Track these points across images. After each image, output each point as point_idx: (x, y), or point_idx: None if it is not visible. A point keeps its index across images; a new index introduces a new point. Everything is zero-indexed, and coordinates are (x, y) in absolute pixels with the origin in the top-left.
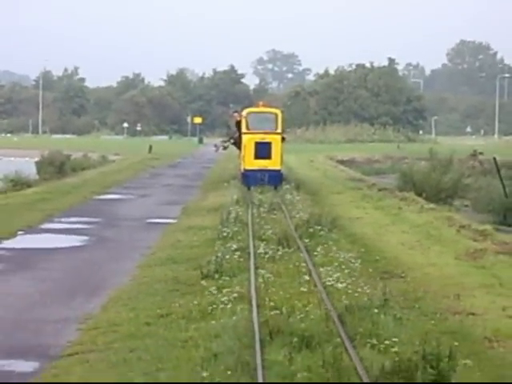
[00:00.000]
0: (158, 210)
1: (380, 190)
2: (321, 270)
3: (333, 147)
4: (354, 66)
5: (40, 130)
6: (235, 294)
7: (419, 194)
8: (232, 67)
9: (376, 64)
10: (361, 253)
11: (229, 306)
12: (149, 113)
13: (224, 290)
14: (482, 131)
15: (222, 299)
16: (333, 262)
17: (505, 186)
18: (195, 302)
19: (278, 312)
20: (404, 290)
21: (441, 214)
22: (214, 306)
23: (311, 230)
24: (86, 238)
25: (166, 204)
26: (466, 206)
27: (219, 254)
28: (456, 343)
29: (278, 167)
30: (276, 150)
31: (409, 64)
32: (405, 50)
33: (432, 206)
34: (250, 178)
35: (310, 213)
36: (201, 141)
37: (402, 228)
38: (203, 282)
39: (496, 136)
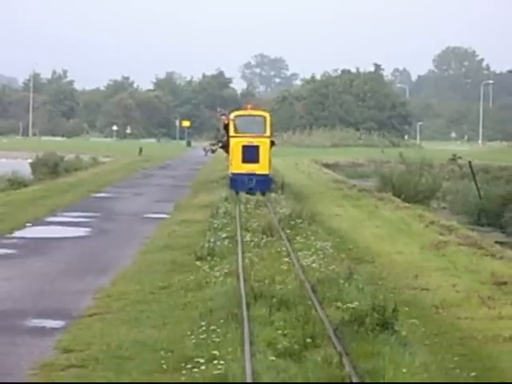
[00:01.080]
0: (152, 206)
1: (360, 190)
2: (299, 254)
3: (318, 151)
4: (339, 72)
5: (30, 133)
6: (225, 271)
7: (398, 196)
8: (220, 72)
9: (362, 70)
10: (336, 242)
11: (220, 279)
12: (137, 116)
13: (216, 268)
14: (466, 137)
15: (215, 274)
16: (310, 249)
17: (479, 189)
18: (191, 278)
19: (261, 283)
20: (371, 272)
21: (413, 212)
22: (208, 279)
23: (292, 222)
24: (88, 229)
25: (159, 201)
26: (444, 207)
27: (211, 240)
28: (407, 308)
29: (266, 171)
30: (264, 153)
31: (396, 69)
32: (392, 55)
33: (407, 204)
34: (237, 182)
35: (292, 209)
36: (189, 144)
37: (376, 223)
38: (197, 263)
39: (480, 141)
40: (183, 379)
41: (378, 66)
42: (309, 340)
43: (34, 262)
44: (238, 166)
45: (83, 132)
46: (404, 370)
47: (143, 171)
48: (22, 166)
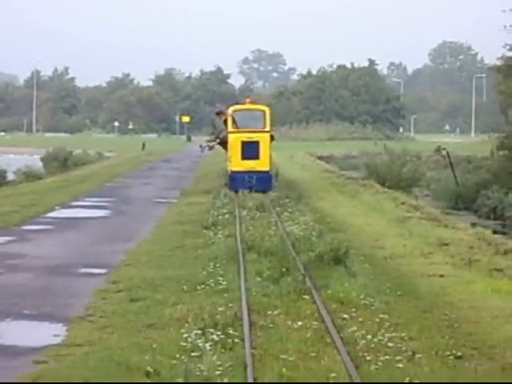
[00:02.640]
0: (161, 192)
1: (346, 179)
2: (285, 224)
3: (314, 144)
4: (334, 67)
5: (34, 129)
6: (226, 234)
7: (382, 184)
8: (218, 68)
9: (356, 65)
10: (317, 217)
11: (222, 240)
12: (138, 112)
13: (219, 233)
14: (458, 129)
15: (218, 237)
16: (294, 221)
17: (456, 177)
18: (200, 240)
19: (253, 240)
20: (342, 237)
21: (389, 196)
22: (213, 241)
23: (282, 202)
24: (109, 211)
25: (167, 189)
26: (428, 195)
27: (214, 215)
28: (362, 258)
29: (266, 168)
30: (264, 149)
31: (392, 63)
32: (389, 49)
33: (385, 190)
34: (237, 181)
35: (282, 192)
36: (189, 139)
37: (354, 204)
38: (204, 231)
39: (472, 134)
40: (199, 290)
41: (372, 61)
42: (284, 270)
43: (70, 234)
44: (238, 164)
45: (85, 128)
46: (346, 285)
47: (149, 164)
48: (31, 160)
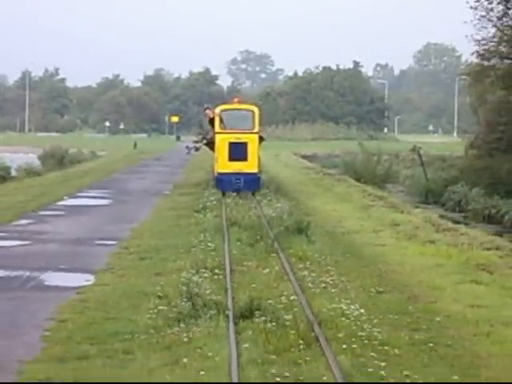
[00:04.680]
0: (155, 186)
1: (324, 174)
2: (263, 208)
3: (300, 144)
4: (320, 68)
5: (26, 129)
6: (214, 215)
7: (358, 180)
8: (207, 69)
9: (341, 67)
10: (292, 205)
11: (210, 219)
12: (129, 112)
13: (207, 215)
14: (440, 130)
15: (207, 217)
16: (271, 206)
17: (426, 173)
18: (192, 220)
19: (235, 219)
20: (311, 219)
21: (360, 188)
22: (202, 220)
23: (262, 192)
24: (111, 200)
25: (160, 182)
26: (402, 190)
27: (204, 201)
28: (324, 233)
29: (254, 170)
30: (252, 151)
31: (378, 64)
32: (375, 51)
33: (358, 184)
34: (224, 183)
35: (263, 185)
36: (178, 138)
37: (327, 195)
38: (195, 214)
39: (455, 134)
40: (193, 251)
41: (357, 63)
42: (258, 238)
43: (80, 218)
44: (225, 165)
45: (76, 128)
46: (305, 247)
47: (141, 162)
48: (27, 159)
